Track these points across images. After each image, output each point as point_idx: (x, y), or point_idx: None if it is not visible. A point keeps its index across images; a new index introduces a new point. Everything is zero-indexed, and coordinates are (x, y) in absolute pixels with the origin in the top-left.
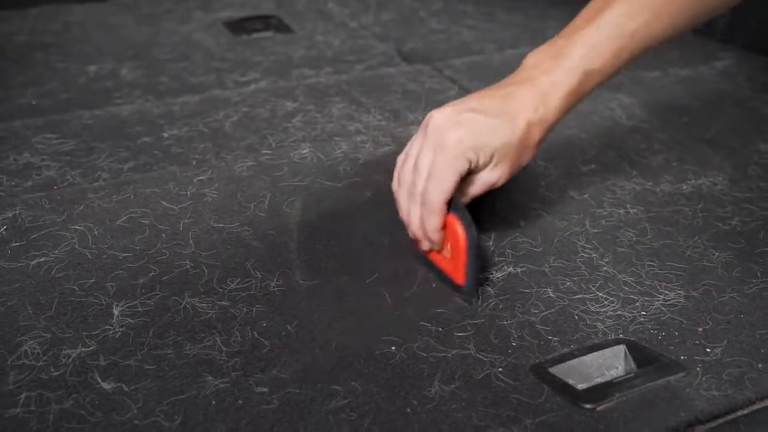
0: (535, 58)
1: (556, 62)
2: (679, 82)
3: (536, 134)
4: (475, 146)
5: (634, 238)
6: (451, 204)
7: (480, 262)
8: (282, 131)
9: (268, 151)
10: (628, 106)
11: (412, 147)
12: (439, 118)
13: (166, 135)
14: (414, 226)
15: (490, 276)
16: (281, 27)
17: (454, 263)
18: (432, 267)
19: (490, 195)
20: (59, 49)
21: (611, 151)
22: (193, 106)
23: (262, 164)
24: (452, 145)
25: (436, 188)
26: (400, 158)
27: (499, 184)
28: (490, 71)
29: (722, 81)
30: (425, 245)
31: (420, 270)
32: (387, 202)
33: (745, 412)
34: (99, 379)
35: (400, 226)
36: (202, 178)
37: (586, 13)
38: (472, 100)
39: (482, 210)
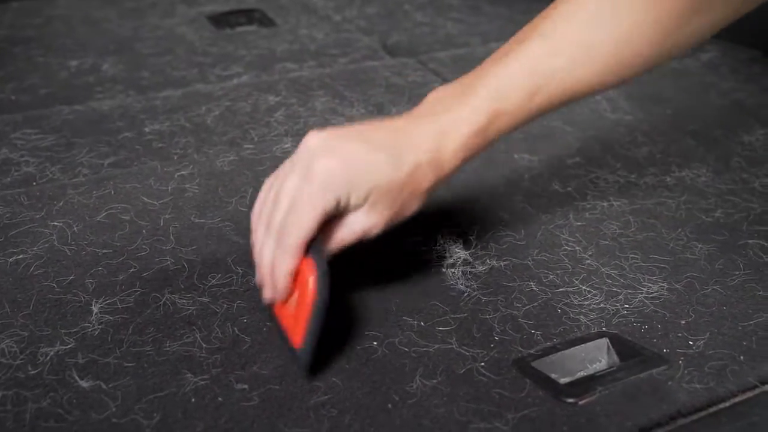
0: (439, 93)
1: (461, 99)
2: (663, 74)
3: (426, 180)
4: (347, 182)
5: (617, 231)
6: (310, 247)
7: (321, 326)
8: (264, 125)
9: (251, 146)
10: (613, 98)
11: (280, 171)
12: (313, 141)
13: (147, 130)
14: (263, 268)
15: (473, 269)
16: (265, 21)
17: (295, 320)
18: (274, 321)
19: (472, 187)
20: (40, 44)
21: (595, 144)
22: (175, 100)
23: (244, 159)
24: (319, 176)
25: (295, 225)
26: (267, 182)
27: (374, 232)
28: (475, 64)
29: (707, 73)
30: (267, 293)
31: (401, 265)
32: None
33: (727, 404)
34: (77, 378)
35: None
36: (183, 173)
37: (502, 49)
38: (359, 130)
39: (464, 202)
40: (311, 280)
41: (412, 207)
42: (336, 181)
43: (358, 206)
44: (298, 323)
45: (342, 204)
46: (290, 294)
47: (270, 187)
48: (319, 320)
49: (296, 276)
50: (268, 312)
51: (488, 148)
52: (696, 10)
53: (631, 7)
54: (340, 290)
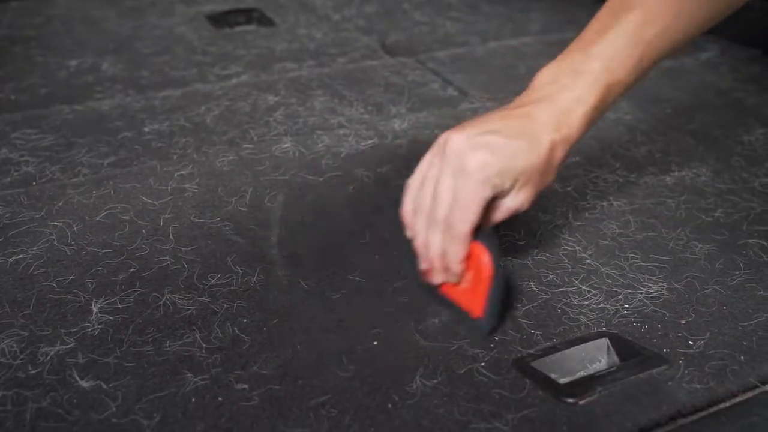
0: (549, 74)
1: (575, 77)
2: (662, 73)
3: (559, 154)
4: (500, 171)
5: (617, 231)
6: (476, 232)
7: (503, 295)
8: (264, 125)
9: (250, 146)
10: None
11: (430, 171)
12: (457, 140)
13: (146, 129)
14: (434, 256)
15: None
16: (264, 20)
17: (473, 294)
18: (441, 299)
19: None
20: (40, 43)
21: (595, 143)
22: (175, 100)
23: (243, 158)
24: (476, 170)
25: (461, 216)
26: (413, 183)
27: (523, 209)
28: (474, 63)
29: (706, 72)
30: (440, 277)
31: (400, 264)
32: (369, 196)
33: (727, 404)
34: (77, 377)
35: (382, 220)
36: (182, 172)
37: (596, 24)
38: (490, 121)
39: None
40: (485, 258)
41: (550, 179)
42: (491, 173)
43: (510, 189)
44: (476, 297)
45: (498, 191)
46: (463, 275)
47: (419, 187)
48: (498, 291)
49: (468, 258)
50: (430, 293)
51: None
52: None
53: None
54: (340, 289)
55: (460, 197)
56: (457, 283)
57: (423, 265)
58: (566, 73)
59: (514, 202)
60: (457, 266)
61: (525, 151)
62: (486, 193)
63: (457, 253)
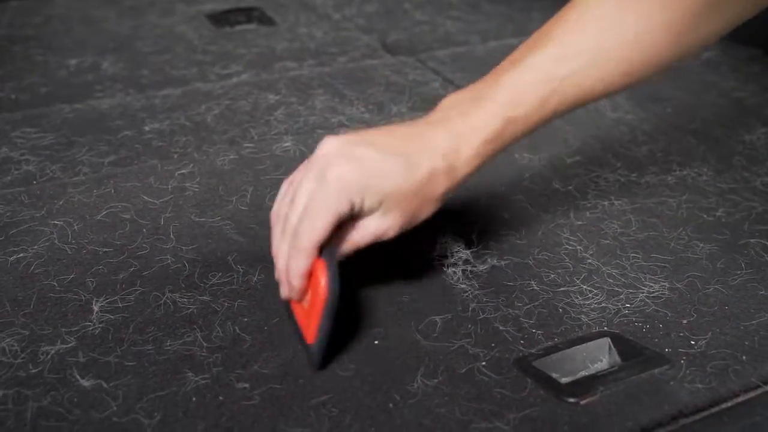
0: (454, 98)
1: (476, 105)
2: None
3: (440, 185)
4: (361, 187)
5: (618, 230)
6: (323, 249)
7: (332, 324)
8: (264, 124)
9: (250, 145)
10: (613, 97)
11: (297, 174)
12: (329, 145)
13: (147, 128)
14: (279, 267)
15: (474, 269)
16: (264, 19)
17: (308, 317)
18: (291, 318)
19: (473, 186)
20: (40, 43)
21: (596, 143)
22: (175, 99)
23: (244, 157)
24: (334, 181)
25: (308, 228)
26: (284, 184)
27: (388, 236)
28: (474, 63)
29: (707, 71)
30: (284, 291)
31: (402, 263)
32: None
33: (729, 404)
34: (78, 376)
35: None
36: (183, 171)
37: (513, 55)
38: (374, 134)
39: (464, 201)
40: (323, 281)
41: (426, 212)
42: (350, 186)
43: (372, 210)
44: (311, 321)
45: (356, 208)
46: (305, 293)
47: (288, 188)
48: (330, 319)
49: (310, 276)
50: (285, 308)
51: (501, 153)
52: (708, 11)
53: (641, 11)
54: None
55: (312, 207)
56: (300, 302)
57: (275, 276)
58: (469, 100)
59: (378, 225)
60: (296, 281)
61: (397, 173)
62: (341, 207)
63: (298, 267)
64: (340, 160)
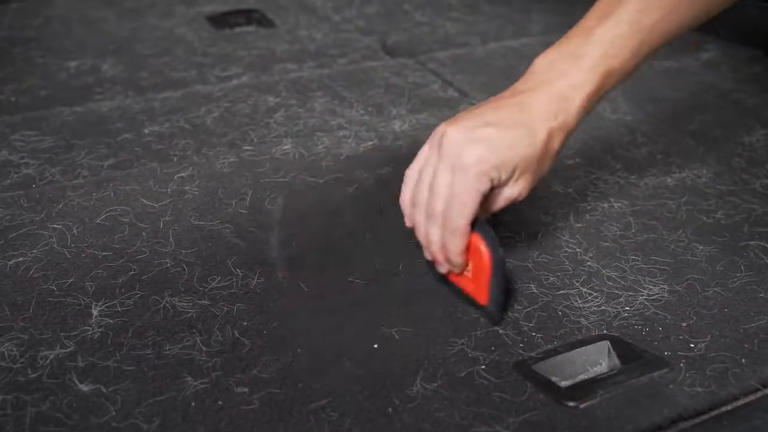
0: (546, 60)
1: (574, 63)
2: (663, 74)
3: (557, 142)
4: (497, 164)
5: (618, 233)
6: (473, 223)
7: (505, 282)
8: (264, 126)
9: (250, 147)
10: (613, 98)
11: (427, 165)
12: (453, 134)
13: (146, 131)
14: (434, 248)
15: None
16: (264, 21)
17: (477, 283)
18: (452, 287)
19: None
20: (39, 45)
21: (596, 145)
22: (174, 101)
23: (243, 160)
24: (473, 165)
25: (459, 211)
26: (411, 175)
27: (521, 197)
28: (474, 64)
29: (706, 73)
30: (444, 268)
31: (402, 267)
32: (369, 197)
33: (729, 408)
34: (77, 381)
35: (383, 222)
36: (182, 175)
37: (596, 11)
38: (486, 112)
39: None
40: (484, 249)
41: (548, 166)
42: (487, 166)
43: (507, 180)
44: (480, 285)
45: (495, 183)
46: (466, 265)
47: (417, 179)
48: (500, 278)
49: (468, 249)
50: (442, 280)
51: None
52: None
53: None
54: (340, 292)
55: (458, 192)
56: (462, 273)
57: (427, 256)
58: (564, 58)
59: (512, 191)
60: (457, 258)
61: (522, 142)
62: (483, 186)
63: (456, 246)
64: (470, 146)
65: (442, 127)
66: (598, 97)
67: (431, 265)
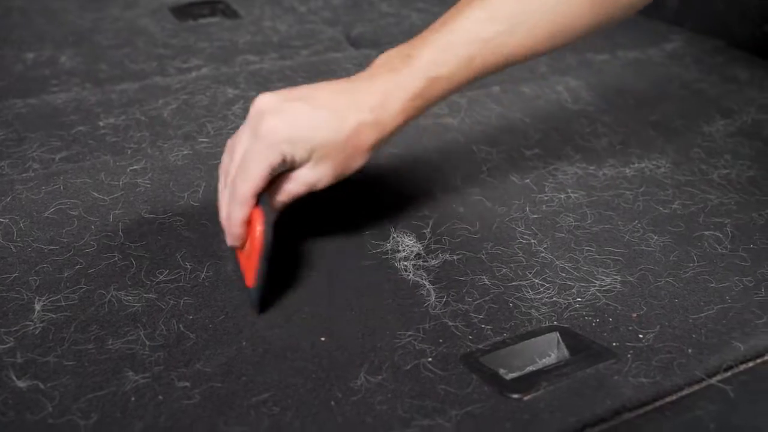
0: (386, 56)
1: (405, 63)
2: (627, 64)
3: (368, 137)
4: (291, 139)
5: (573, 223)
6: (261, 199)
7: (267, 268)
8: (221, 119)
9: (206, 140)
10: (575, 89)
11: (240, 129)
12: (262, 101)
13: (101, 124)
14: (222, 217)
15: (426, 263)
16: (228, 12)
17: (248, 262)
18: (235, 265)
19: (428, 179)
20: None
21: (555, 135)
22: (132, 93)
23: (198, 153)
24: (265, 135)
25: (244, 179)
26: (228, 141)
27: (320, 185)
28: None
29: (671, 63)
30: (229, 240)
31: (353, 258)
32: (323, 189)
33: (673, 398)
34: (14, 377)
35: (335, 212)
36: (135, 167)
37: (444, 16)
38: (306, 89)
39: (419, 194)
40: (258, 228)
41: (357, 163)
42: (280, 139)
43: (303, 161)
44: (250, 266)
45: (288, 160)
46: (245, 240)
47: (231, 144)
48: (266, 262)
49: (248, 224)
50: (232, 257)
51: (428, 109)
52: None
53: None
54: (290, 284)
55: (246, 159)
56: (242, 249)
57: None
58: (400, 57)
59: (309, 175)
60: (236, 229)
61: (325, 125)
62: (272, 159)
63: (236, 216)
64: (271, 115)
65: (260, 95)
66: (423, 101)
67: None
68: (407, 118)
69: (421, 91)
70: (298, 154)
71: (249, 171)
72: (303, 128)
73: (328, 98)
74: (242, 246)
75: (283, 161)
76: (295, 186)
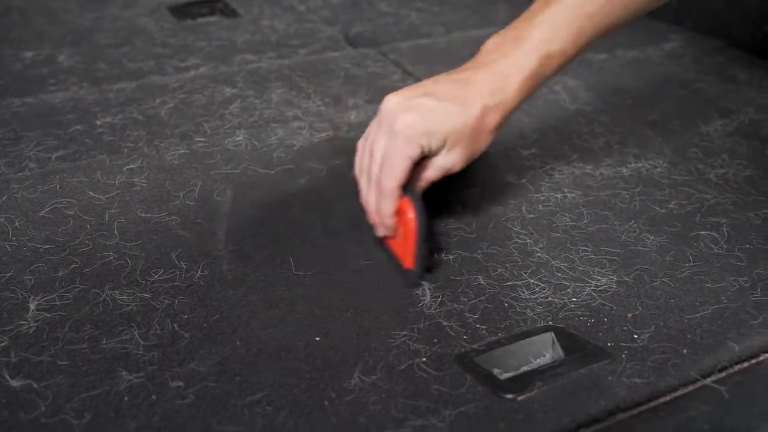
0: (494, 41)
1: (515, 45)
2: (626, 63)
3: (492, 119)
4: (426, 132)
5: (569, 223)
6: (405, 188)
7: (428, 248)
8: (218, 118)
9: (202, 139)
10: (573, 89)
11: (370, 132)
12: (391, 102)
13: (98, 123)
14: (371, 211)
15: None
16: (227, 11)
17: (404, 247)
18: (387, 252)
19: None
20: None
21: (553, 135)
22: (129, 92)
23: (194, 152)
24: (402, 131)
25: (389, 174)
26: (360, 144)
27: (455, 169)
28: (436, 54)
29: (669, 63)
30: (380, 231)
31: (349, 259)
32: (320, 189)
33: (667, 398)
34: (8, 377)
35: (333, 213)
36: (131, 166)
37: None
38: (428, 85)
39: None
40: (410, 215)
41: (484, 143)
42: (416, 133)
43: (439, 150)
44: (406, 250)
45: (425, 150)
46: (397, 229)
47: (363, 147)
48: (422, 243)
49: (399, 214)
50: (381, 247)
51: (544, 84)
52: None
53: None
54: (285, 285)
55: (388, 156)
56: (394, 237)
57: (369, 220)
58: (508, 41)
59: (445, 161)
60: (388, 220)
61: (454, 114)
62: (412, 152)
63: (386, 208)
64: (404, 113)
65: (386, 97)
66: (538, 80)
67: (373, 232)
68: (525, 96)
69: (536, 70)
70: (434, 144)
71: (392, 166)
72: (436, 121)
73: (450, 89)
74: (394, 235)
75: (421, 152)
76: (432, 172)
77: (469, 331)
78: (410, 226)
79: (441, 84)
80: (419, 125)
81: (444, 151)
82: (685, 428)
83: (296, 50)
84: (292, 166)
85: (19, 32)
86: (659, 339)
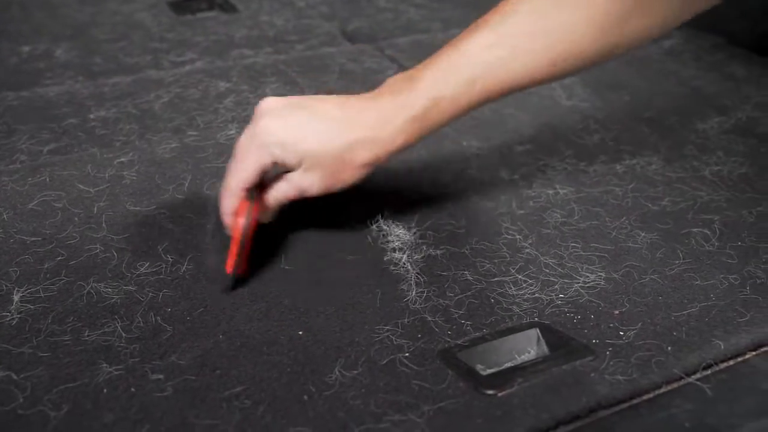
0: (395, 77)
1: (408, 85)
2: (624, 60)
3: (362, 155)
4: (281, 143)
5: (560, 219)
6: (254, 194)
7: (243, 261)
8: (212, 112)
9: (195, 133)
10: (570, 85)
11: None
12: (267, 103)
13: (92, 116)
14: (218, 205)
15: (409, 258)
16: (226, 6)
17: (231, 249)
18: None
19: (417, 174)
20: None
21: (548, 131)
22: (125, 86)
23: (186, 146)
24: (259, 135)
25: (235, 173)
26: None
27: (311, 192)
28: (433, 50)
29: (668, 60)
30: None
31: (334, 254)
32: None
33: (650, 396)
34: None
35: (320, 207)
36: (122, 160)
37: (455, 39)
38: (314, 100)
39: (406, 189)
40: (240, 221)
41: (349, 178)
42: (272, 141)
43: (294, 166)
44: (231, 253)
45: (279, 162)
46: (233, 228)
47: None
48: (242, 252)
49: (237, 214)
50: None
51: (430, 134)
52: (634, 11)
53: (567, 5)
54: (270, 278)
55: (240, 155)
56: (231, 237)
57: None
58: (403, 79)
59: (301, 180)
60: (225, 218)
61: (322, 136)
62: (263, 158)
63: (225, 205)
64: (269, 117)
65: (267, 97)
66: (424, 123)
67: None
68: (407, 139)
69: (422, 112)
70: (288, 159)
71: (240, 165)
72: (295, 134)
73: (329, 110)
74: (231, 234)
75: (274, 163)
76: (286, 186)
77: (454, 327)
78: (236, 231)
79: (326, 104)
80: (278, 134)
81: (299, 170)
82: (665, 426)
83: (293, 45)
84: None
85: (18, 26)
86: (645, 336)
